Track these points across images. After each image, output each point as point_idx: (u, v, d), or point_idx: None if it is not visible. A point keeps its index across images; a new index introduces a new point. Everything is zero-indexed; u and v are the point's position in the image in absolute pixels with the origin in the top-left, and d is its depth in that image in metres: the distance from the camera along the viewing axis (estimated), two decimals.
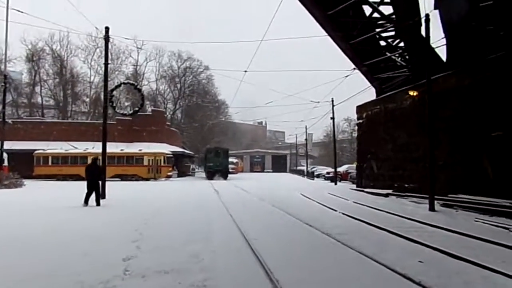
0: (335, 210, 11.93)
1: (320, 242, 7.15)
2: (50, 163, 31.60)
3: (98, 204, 12.39)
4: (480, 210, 10.73)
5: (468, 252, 6.03)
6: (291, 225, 9.10)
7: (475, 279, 4.84)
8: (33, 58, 46.05)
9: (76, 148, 31.86)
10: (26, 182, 22.54)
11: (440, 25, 13.88)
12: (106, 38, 15.73)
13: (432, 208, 11.71)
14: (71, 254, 5.83)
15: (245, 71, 21.02)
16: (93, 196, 12.40)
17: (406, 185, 16.19)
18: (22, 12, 17.33)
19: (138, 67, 51.22)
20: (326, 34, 17.10)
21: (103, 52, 18.22)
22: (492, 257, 5.75)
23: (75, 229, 8.13)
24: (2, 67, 31.08)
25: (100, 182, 13.01)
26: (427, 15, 12.45)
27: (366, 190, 18.97)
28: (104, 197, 14.00)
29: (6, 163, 24.50)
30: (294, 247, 6.64)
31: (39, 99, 48.41)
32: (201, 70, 54.64)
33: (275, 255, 5.84)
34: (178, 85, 54.65)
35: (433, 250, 6.33)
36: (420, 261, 5.60)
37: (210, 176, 34.57)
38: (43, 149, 32.13)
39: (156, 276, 4.82)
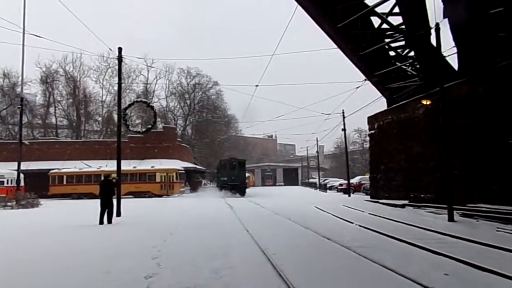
0: (352, 223, 11.78)
1: (341, 255, 7.05)
2: (65, 182, 32.07)
3: (109, 222, 12.26)
4: (502, 219, 10.48)
5: (492, 263, 5.88)
6: (310, 239, 9.01)
7: None
8: (47, 80, 47.38)
9: (89, 166, 32.31)
10: (42, 201, 22.84)
11: (450, 33, 13.89)
12: (119, 58, 16.02)
13: (451, 219, 11.50)
14: (93, 272, 5.85)
15: (256, 85, 20.67)
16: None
17: (422, 196, 15.93)
18: (38, 36, 17.58)
19: (149, 85, 52.23)
20: (336, 46, 17.23)
21: (115, 72, 18.65)
22: None
23: (94, 247, 8.19)
24: (18, 90, 31.95)
25: (112, 199, 12.75)
26: (437, 25, 12.46)
27: (381, 201, 18.72)
28: (119, 215, 14.05)
29: (22, 183, 25.00)
30: (314, 262, 6.56)
31: (53, 120, 49.56)
32: (210, 86, 55.54)
33: (296, 270, 5.77)
34: (188, 102, 55.36)
35: (457, 261, 6.19)
36: (445, 274, 5.47)
37: (223, 192, 30.08)
38: (58, 169, 32.67)
39: None
